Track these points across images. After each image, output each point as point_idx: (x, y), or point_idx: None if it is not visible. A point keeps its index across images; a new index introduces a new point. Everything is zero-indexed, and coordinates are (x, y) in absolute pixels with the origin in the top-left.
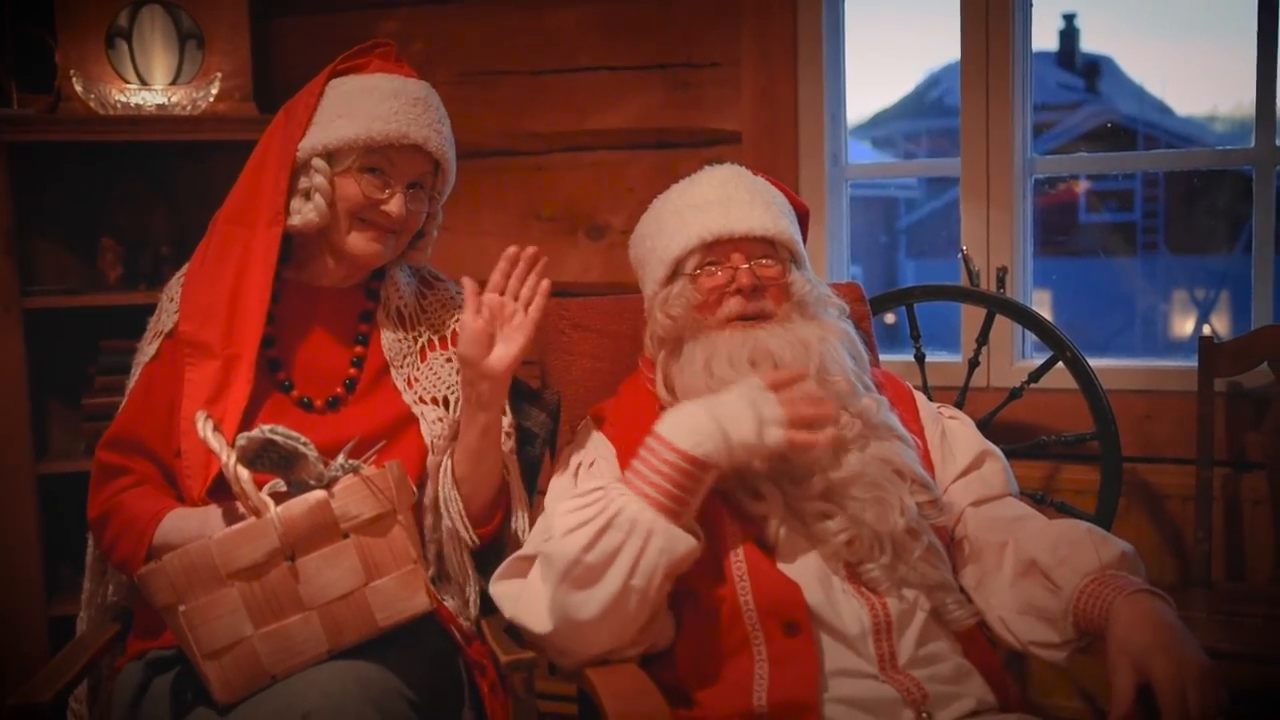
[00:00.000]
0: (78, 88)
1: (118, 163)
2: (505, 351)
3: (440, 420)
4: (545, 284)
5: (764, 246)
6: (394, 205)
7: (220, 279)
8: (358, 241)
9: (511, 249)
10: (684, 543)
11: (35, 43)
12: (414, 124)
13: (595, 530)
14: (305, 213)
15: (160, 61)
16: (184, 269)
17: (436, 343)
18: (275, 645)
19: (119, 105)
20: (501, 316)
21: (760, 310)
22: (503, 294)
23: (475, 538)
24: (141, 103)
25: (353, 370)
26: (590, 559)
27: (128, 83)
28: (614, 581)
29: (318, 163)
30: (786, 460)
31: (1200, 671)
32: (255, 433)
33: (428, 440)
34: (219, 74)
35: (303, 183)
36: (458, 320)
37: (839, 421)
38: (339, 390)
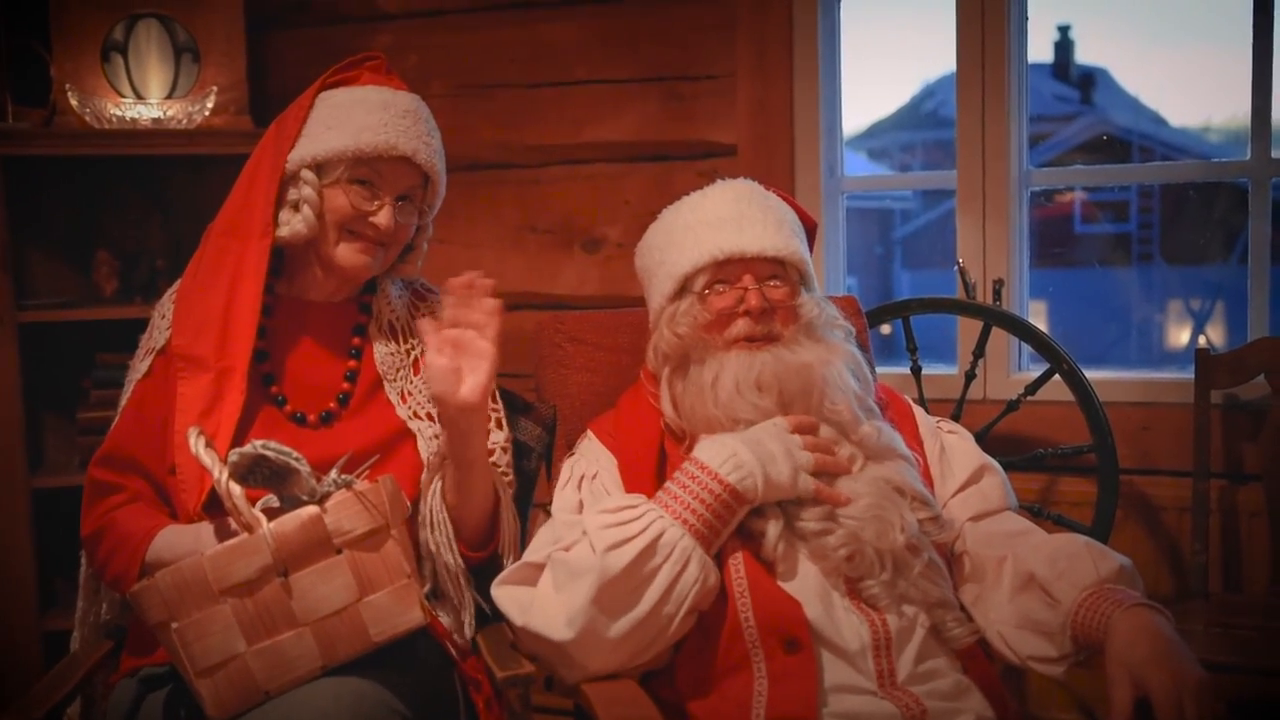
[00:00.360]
0: (73, 101)
1: (113, 176)
2: (475, 382)
3: (437, 437)
4: (496, 303)
5: (774, 267)
6: (382, 217)
7: (213, 292)
8: (346, 253)
9: (454, 280)
10: (714, 575)
11: (30, 56)
12: (403, 136)
13: (638, 550)
14: (293, 224)
15: (155, 75)
16: (176, 285)
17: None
18: (268, 662)
19: (114, 119)
20: (462, 348)
21: (768, 332)
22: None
23: (461, 561)
24: (137, 116)
25: (346, 385)
26: (629, 580)
27: (123, 96)
28: (646, 605)
29: (306, 174)
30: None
31: (1197, 684)
32: (247, 448)
33: (424, 456)
34: (214, 88)
35: (291, 194)
36: None
37: (839, 452)
38: (332, 405)
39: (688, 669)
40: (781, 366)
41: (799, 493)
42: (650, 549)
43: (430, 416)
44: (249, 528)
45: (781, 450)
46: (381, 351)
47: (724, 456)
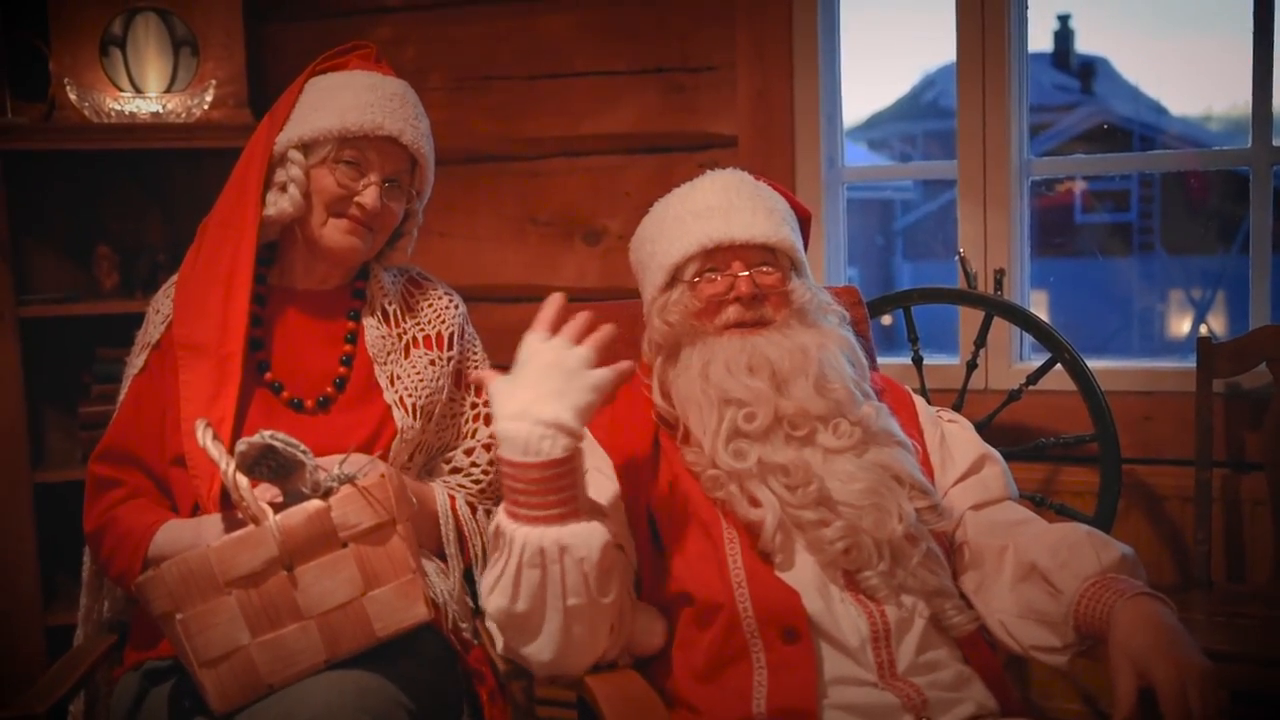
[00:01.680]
0: (72, 96)
1: (113, 170)
2: None
3: (411, 428)
4: None
5: (764, 254)
6: (368, 197)
7: (213, 282)
8: (332, 234)
9: None
10: (598, 536)
11: (29, 51)
12: (390, 116)
13: (512, 577)
14: (280, 204)
15: (154, 69)
16: (172, 280)
17: (420, 340)
18: (272, 654)
19: (113, 113)
20: None
21: (759, 317)
22: None
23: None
24: (136, 110)
25: (342, 369)
26: (520, 607)
27: (122, 90)
28: (555, 614)
29: (294, 154)
30: (785, 469)
31: (1201, 673)
32: (256, 438)
33: (392, 451)
34: (213, 81)
35: (279, 175)
36: (444, 320)
37: (838, 430)
38: (329, 390)
39: (687, 659)
40: (775, 350)
41: (593, 392)
42: (521, 569)
43: (416, 410)
44: (256, 519)
45: (542, 376)
46: (373, 334)
47: (512, 442)
